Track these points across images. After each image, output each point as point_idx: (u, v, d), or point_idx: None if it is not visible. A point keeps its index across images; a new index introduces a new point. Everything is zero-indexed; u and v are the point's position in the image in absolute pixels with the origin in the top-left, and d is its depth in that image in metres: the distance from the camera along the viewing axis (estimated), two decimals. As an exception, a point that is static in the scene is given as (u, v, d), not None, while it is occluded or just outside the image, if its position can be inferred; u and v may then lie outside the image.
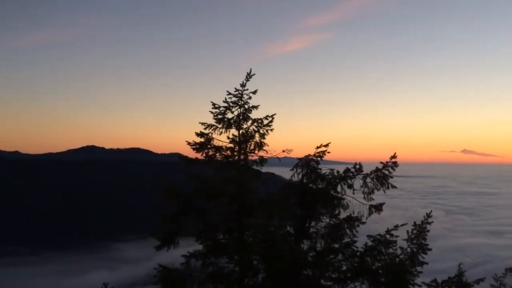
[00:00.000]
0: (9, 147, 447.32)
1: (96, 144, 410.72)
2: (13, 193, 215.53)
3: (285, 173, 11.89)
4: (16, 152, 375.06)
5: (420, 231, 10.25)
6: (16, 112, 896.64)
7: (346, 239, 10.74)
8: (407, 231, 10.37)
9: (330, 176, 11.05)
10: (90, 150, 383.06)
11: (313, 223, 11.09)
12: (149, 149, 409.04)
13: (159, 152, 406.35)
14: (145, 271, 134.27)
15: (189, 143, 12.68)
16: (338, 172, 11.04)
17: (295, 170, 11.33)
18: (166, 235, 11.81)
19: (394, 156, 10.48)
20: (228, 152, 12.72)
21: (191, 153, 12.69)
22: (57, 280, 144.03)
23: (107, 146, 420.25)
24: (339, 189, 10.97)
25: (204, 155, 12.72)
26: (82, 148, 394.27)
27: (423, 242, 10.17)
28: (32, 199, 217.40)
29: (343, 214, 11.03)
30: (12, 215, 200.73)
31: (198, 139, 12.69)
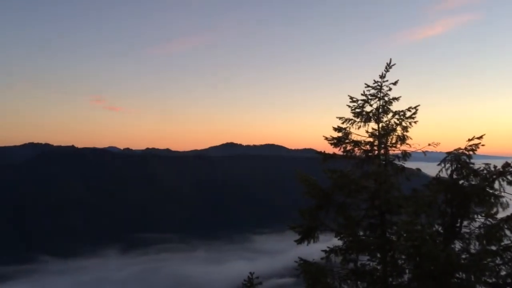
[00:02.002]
0: (161, 145, 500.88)
1: (235, 141, 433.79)
2: (164, 186, 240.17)
3: (431, 168, 11.04)
4: (167, 150, 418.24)
5: None
6: (167, 115, 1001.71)
7: (506, 242, 9.60)
8: None
9: (485, 172, 9.96)
10: (230, 147, 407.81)
11: (465, 223, 10.15)
12: (283, 145, 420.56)
13: (293, 148, 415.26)
14: (281, 264, 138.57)
15: (326, 138, 12.55)
16: (495, 167, 9.88)
17: (443, 165, 10.50)
18: (306, 229, 11.89)
19: None
20: (367, 146, 12.28)
21: (327, 148, 12.56)
22: (202, 267, 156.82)
23: (244, 143, 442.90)
24: (496, 186, 9.83)
25: (341, 150, 12.49)
26: (223, 145, 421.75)
27: None
28: (180, 192, 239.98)
29: (502, 214, 9.88)
30: (164, 206, 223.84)
31: (336, 134, 12.49)
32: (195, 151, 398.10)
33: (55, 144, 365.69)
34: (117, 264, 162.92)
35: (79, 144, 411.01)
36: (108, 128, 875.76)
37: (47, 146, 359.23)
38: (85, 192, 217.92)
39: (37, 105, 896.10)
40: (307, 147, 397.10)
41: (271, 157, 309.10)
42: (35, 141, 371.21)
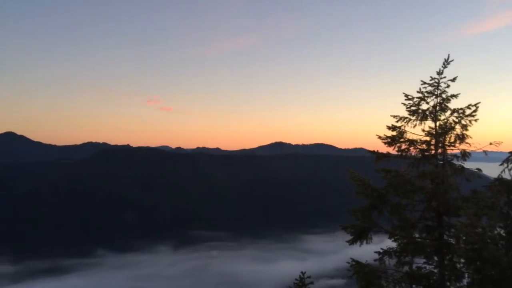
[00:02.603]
0: (211, 144, 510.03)
1: (284, 141, 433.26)
2: (214, 184, 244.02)
3: (493, 168, 10.53)
4: (217, 149, 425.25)
5: None
6: (218, 115, 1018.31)
7: None
8: None
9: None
10: (278, 146, 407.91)
11: (530, 226, 9.59)
12: (333, 144, 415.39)
13: (343, 147, 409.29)
14: (332, 264, 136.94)
15: (379, 137, 12.24)
16: None
17: (505, 165, 9.99)
18: (359, 230, 11.66)
19: None
20: (424, 145, 11.86)
21: (380, 147, 12.25)
22: (251, 265, 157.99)
23: (293, 142, 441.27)
24: None
25: (396, 149, 12.14)
26: (271, 144, 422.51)
27: None
28: (229, 190, 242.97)
29: None
30: (214, 204, 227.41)
31: (390, 133, 12.14)
32: (244, 150, 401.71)
33: (112, 143, 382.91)
34: (169, 260, 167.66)
35: (134, 143, 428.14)
36: (161, 128, 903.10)
37: (104, 145, 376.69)
38: (139, 189, 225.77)
39: (97, 106, 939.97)
40: (358, 146, 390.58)
41: (320, 156, 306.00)
42: (94, 140, 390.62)
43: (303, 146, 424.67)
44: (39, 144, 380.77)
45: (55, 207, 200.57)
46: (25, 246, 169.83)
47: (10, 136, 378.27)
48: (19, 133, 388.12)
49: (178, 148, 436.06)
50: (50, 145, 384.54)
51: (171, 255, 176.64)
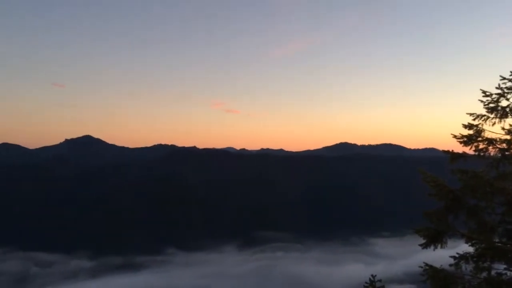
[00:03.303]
0: (275, 146, 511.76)
1: (349, 141, 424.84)
2: (278, 185, 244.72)
3: None
4: (281, 150, 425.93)
5: None
6: (283, 116, 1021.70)
7: None
8: None
9: None
10: (344, 147, 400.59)
11: None
12: (402, 144, 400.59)
13: (413, 147, 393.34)
14: (402, 269, 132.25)
15: (454, 136, 11.74)
16: None
17: None
18: (433, 233, 11.24)
19: None
20: (504, 144, 11.22)
21: (455, 147, 11.74)
22: (316, 268, 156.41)
23: (359, 142, 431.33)
24: None
25: (473, 148, 11.59)
26: (336, 144, 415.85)
27: None
28: (294, 191, 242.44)
29: None
30: (278, 205, 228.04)
31: (466, 132, 11.61)
32: (308, 151, 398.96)
33: (180, 145, 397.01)
34: (235, 260, 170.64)
35: (201, 145, 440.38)
36: (226, 129, 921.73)
37: (173, 146, 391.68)
38: (205, 190, 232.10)
39: (166, 109, 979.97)
40: (428, 146, 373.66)
41: (389, 157, 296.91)
42: (163, 142, 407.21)
43: (370, 146, 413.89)
44: (113, 146, 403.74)
45: (128, 207, 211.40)
46: (102, 243, 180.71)
47: (87, 139, 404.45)
48: (95, 136, 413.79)
49: (243, 150, 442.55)
50: (123, 147, 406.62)
51: (236, 254, 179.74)
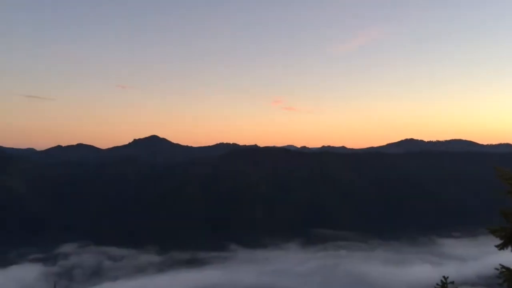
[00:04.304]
0: (337, 143, 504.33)
1: (415, 137, 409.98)
2: (341, 183, 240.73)
3: None
4: (343, 147, 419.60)
5: None
6: (344, 113, 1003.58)
7: None
8: None
9: None
10: (410, 143, 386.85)
11: None
12: (473, 140, 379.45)
13: (485, 143, 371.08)
14: (473, 271, 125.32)
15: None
16: None
17: None
18: (511, 234, 10.47)
19: None
20: None
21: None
22: (382, 267, 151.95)
23: (426, 139, 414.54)
24: None
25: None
26: (402, 141, 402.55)
27: None
28: (357, 189, 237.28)
29: None
30: (341, 203, 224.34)
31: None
32: (372, 148, 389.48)
33: (241, 143, 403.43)
34: (297, 258, 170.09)
35: (261, 143, 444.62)
36: (286, 127, 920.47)
37: (234, 145, 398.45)
38: (266, 187, 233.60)
39: (226, 109, 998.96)
40: (503, 141, 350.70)
41: (458, 153, 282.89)
42: (225, 141, 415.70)
43: (437, 142, 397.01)
44: (178, 145, 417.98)
45: (193, 204, 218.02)
46: (168, 239, 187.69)
47: (154, 139, 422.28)
48: (161, 136, 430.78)
49: (303, 147, 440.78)
50: (187, 146, 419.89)
51: (299, 252, 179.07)
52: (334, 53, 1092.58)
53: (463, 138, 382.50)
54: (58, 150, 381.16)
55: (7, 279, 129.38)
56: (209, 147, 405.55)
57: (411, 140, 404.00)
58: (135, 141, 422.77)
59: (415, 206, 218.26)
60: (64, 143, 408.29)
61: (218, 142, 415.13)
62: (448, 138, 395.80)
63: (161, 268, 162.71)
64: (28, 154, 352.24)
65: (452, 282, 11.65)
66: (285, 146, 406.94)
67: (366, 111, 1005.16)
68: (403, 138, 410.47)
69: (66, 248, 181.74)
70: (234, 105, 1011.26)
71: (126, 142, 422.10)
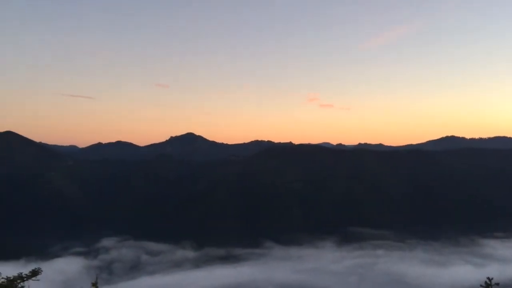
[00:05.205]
0: (373, 140, 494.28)
1: (456, 134, 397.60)
2: (377, 181, 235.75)
3: None
4: (380, 144, 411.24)
5: None
6: (381, 109, 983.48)
7: None
8: None
9: None
10: (450, 140, 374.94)
11: None
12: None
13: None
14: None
15: None
16: None
17: None
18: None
19: None
20: None
21: None
22: (420, 268, 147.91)
23: (468, 136, 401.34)
24: None
25: None
26: (442, 138, 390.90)
27: None
28: (394, 188, 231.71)
29: None
30: (378, 201, 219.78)
31: None
32: (410, 145, 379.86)
33: (275, 141, 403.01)
34: (332, 256, 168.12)
35: (296, 141, 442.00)
36: (321, 124, 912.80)
37: (269, 143, 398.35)
38: (301, 185, 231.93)
39: (262, 106, 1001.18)
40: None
41: (502, 151, 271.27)
42: (259, 139, 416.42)
43: (481, 140, 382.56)
44: (213, 143, 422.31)
45: (228, 201, 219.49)
46: (204, 235, 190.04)
47: (190, 137, 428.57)
48: (197, 133, 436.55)
49: (339, 145, 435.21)
50: (223, 143, 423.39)
51: (334, 250, 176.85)
52: (371, 48, 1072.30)
53: (508, 135, 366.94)
54: (98, 147, 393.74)
55: (52, 272, 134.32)
56: (244, 144, 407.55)
57: (452, 137, 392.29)
58: (171, 138, 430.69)
59: (455, 206, 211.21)
60: (104, 140, 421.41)
61: (253, 140, 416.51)
62: (492, 135, 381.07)
63: (197, 263, 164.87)
64: (71, 151, 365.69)
65: (497, 284, 11.00)
66: (320, 143, 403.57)
67: (405, 107, 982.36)
68: (443, 135, 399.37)
69: (107, 242, 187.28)
70: (269, 103, 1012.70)
71: (163, 140, 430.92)
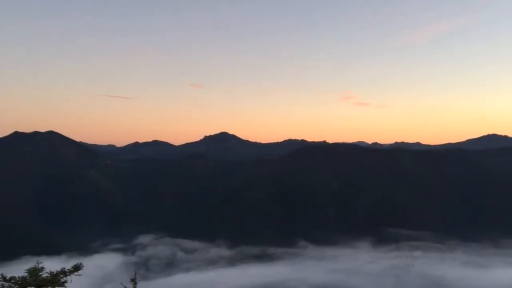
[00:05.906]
0: (411, 139, 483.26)
1: (498, 133, 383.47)
2: (414, 181, 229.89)
3: None
4: (417, 143, 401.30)
5: None
6: (419, 107, 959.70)
7: None
8: None
9: None
10: (491, 139, 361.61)
11: None
12: None
13: None
14: None
15: None
16: None
17: None
18: None
19: None
20: None
21: None
22: (460, 270, 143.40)
23: (511, 134, 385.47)
24: None
25: None
26: (482, 137, 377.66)
27: None
28: (432, 188, 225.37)
29: None
30: (415, 202, 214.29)
31: None
32: (449, 144, 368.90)
33: (309, 140, 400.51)
34: (368, 257, 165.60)
35: (330, 140, 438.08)
36: (356, 123, 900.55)
37: (302, 142, 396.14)
38: (337, 184, 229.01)
39: (295, 105, 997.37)
40: None
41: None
42: (293, 138, 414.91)
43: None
44: (247, 142, 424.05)
45: (262, 200, 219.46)
46: (239, 234, 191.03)
47: (224, 136, 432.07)
48: (231, 132, 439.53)
49: (375, 144, 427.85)
50: (256, 142, 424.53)
51: (370, 251, 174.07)
52: (406, 45, 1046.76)
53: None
54: (135, 146, 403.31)
55: (91, 267, 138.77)
56: (277, 143, 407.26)
57: (494, 135, 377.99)
58: (206, 137, 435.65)
59: (497, 206, 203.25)
60: (141, 139, 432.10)
61: (287, 139, 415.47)
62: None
63: (231, 262, 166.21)
64: (109, 151, 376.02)
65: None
66: (355, 142, 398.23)
67: (443, 105, 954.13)
68: (484, 134, 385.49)
69: (144, 239, 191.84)
70: (302, 101, 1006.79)
71: (198, 139, 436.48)
